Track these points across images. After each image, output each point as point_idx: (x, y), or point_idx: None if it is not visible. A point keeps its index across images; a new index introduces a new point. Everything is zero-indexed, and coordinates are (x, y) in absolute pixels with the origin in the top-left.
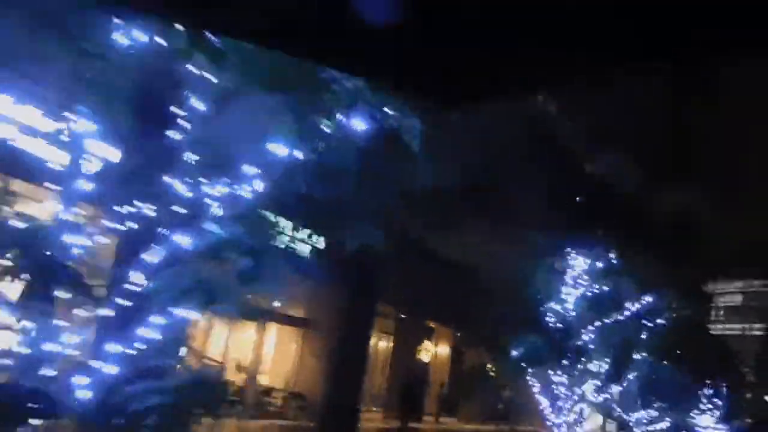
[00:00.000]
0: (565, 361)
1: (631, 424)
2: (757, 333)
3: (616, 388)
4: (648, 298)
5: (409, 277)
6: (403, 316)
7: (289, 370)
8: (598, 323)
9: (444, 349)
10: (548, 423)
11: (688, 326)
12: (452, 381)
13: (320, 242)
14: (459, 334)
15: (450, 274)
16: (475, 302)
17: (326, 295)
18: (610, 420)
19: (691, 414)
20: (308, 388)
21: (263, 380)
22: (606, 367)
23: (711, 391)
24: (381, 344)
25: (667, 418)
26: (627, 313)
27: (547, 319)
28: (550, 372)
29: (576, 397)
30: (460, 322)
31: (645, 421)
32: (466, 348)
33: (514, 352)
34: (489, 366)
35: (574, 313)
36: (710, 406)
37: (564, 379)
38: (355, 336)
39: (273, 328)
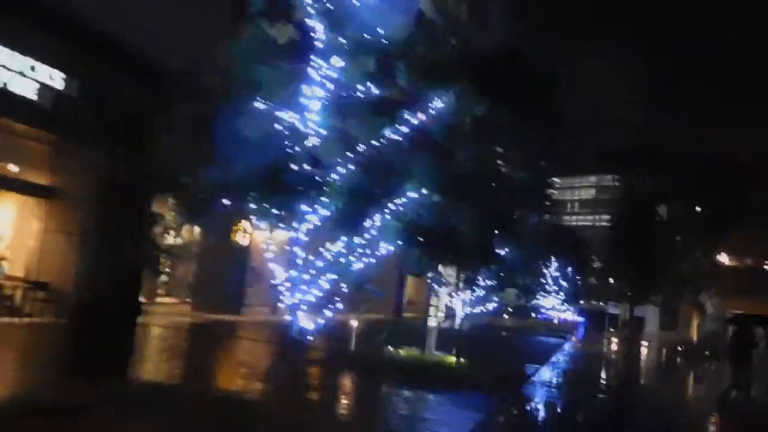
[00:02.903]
0: (296, 201)
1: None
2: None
3: (385, 248)
4: (438, 104)
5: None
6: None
7: (30, 253)
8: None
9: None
10: (280, 306)
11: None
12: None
13: (56, 78)
14: None
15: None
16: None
17: (81, 156)
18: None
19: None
20: (56, 277)
21: None
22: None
23: (557, 273)
24: (196, 229)
25: (495, 299)
26: (405, 128)
27: (264, 129)
28: (274, 220)
29: (321, 263)
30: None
31: (467, 301)
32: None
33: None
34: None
35: (314, 125)
36: (556, 288)
37: (299, 233)
38: (124, 210)
39: (7, 200)
